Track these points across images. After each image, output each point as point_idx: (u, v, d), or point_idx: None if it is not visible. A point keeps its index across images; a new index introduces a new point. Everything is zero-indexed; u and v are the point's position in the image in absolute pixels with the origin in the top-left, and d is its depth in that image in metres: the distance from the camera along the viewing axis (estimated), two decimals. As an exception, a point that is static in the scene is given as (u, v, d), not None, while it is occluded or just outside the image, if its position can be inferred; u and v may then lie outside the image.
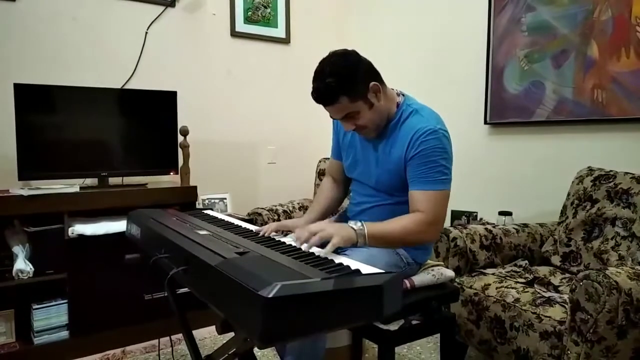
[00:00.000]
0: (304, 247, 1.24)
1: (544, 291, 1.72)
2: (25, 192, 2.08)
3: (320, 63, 1.44)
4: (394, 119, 1.51)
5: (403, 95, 1.55)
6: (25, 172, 2.20)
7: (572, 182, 2.11)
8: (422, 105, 1.54)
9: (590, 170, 2.07)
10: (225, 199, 2.95)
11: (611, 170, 1.99)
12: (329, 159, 1.87)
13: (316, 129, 3.33)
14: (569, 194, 2.11)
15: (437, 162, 1.41)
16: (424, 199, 1.41)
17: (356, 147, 1.62)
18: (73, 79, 2.46)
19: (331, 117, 1.51)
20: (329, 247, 1.23)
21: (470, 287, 1.86)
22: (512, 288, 1.76)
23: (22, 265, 2.08)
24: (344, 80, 1.39)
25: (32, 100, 2.21)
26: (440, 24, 2.88)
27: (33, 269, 2.10)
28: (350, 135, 1.64)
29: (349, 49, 1.47)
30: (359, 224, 1.34)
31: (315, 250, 1.24)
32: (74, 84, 2.37)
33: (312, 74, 1.44)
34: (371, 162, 1.57)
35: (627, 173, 1.93)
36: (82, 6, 2.55)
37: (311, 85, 1.44)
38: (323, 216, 1.74)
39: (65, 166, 2.32)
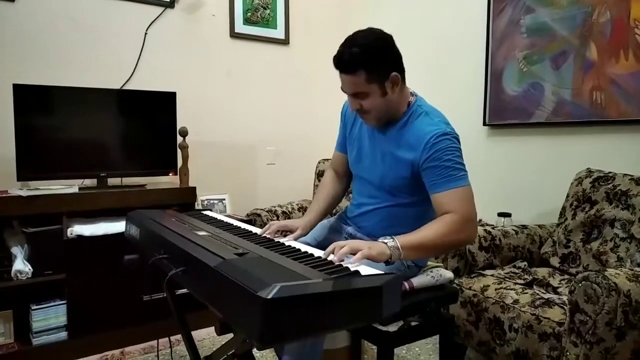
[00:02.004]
0: (333, 258, 1.18)
1: (543, 292, 1.72)
2: (24, 193, 2.08)
3: (354, 32, 1.42)
4: (403, 117, 1.50)
5: (416, 96, 1.55)
6: (24, 172, 2.20)
7: (571, 183, 2.11)
8: (432, 107, 1.53)
9: (589, 171, 2.07)
10: (224, 199, 2.95)
11: (610, 172, 1.99)
12: (328, 160, 1.86)
13: (315, 130, 3.34)
14: (568, 196, 2.11)
15: (453, 160, 1.39)
16: (450, 198, 1.37)
17: (363, 141, 1.61)
18: (72, 79, 2.46)
19: (342, 89, 1.48)
20: (358, 255, 1.18)
21: (470, 289, 1.86)
22: (511, 289, 1.76)
23: (20, 265, 2.07)
24: (370, 55, 1.37)
25: (31, 100, 2.21)
26: (440, 26, 2.89)
27: (32, 270, 2.09)
28: (358, 129, 1.62)
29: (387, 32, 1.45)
30: (388, 238, 1.29)
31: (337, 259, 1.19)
32: (73, 85, 2.38)
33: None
34: (377, 158, 1.55)
35: (625, 175, 1.93)
36: (82, 7, 2.55)
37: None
38: (322, 216, 1.73)
39: (64, 167, 2.32)
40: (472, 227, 1.40)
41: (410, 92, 1.54)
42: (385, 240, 1.28)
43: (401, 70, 1.46)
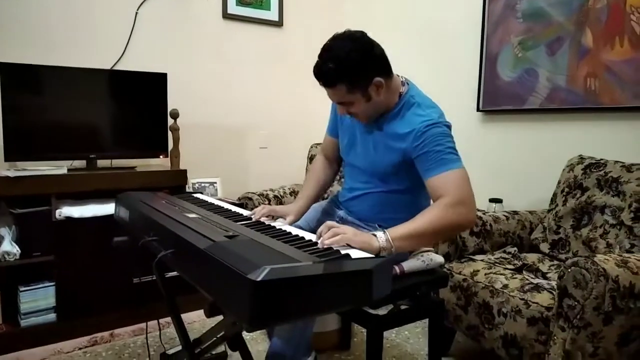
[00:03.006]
0: (318, 242, 1.17)
1: (532, 278, 1.74)
2: (11, 174, 2.05)
3: (331, 39, 1.39)
4: (394, 109, 1.48)
5: (408, 84, 1.52)
6: (12, 153, 2.16)
7: (563, 170, 2.12)
8: (424, 97, 1.51)
9: (581, 158, 2.07)
10: (216, 183, 2.93)
11: (602, 159, 2.00)
12: (320, 144, 1.85)
13: (308, 114, 3.31)
14: (559, 182, 2.12)
15: (444, 144, 1.37)
16: (442, 181, 1.34)
17: (354, 130, 1.59)
18: (61, 58, 2.41)
19: (328, 95, 1.49)
20: (337, 238, 1.16)
21: (460, 273, 1.87)
22: (501, 274, 1.77)
23: (8, 247, 2.05)
24: (346, 69, 1.35)
25: (18, 80, 2.16)
26: (435, 10, 2.85)
27: (20, 251, 2.07)
28: (349, 117, 1.61)
29: (366, 33, 1.41)
30: (378, 230, 1.28)
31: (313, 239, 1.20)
32: (62, 64, 2.33)
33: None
34: (369, 148, 1.54)
35: (617, 162, 1.93)
36: (70, -16, 2.49)
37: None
38: (313, 202, 1.73)
39: (53, 148, 2.28)
40: (467, 210, 1.34)
41: (402, 81, 1.51)
42: (375, 233, 1.26)
43: (385, 71, 1.43)
